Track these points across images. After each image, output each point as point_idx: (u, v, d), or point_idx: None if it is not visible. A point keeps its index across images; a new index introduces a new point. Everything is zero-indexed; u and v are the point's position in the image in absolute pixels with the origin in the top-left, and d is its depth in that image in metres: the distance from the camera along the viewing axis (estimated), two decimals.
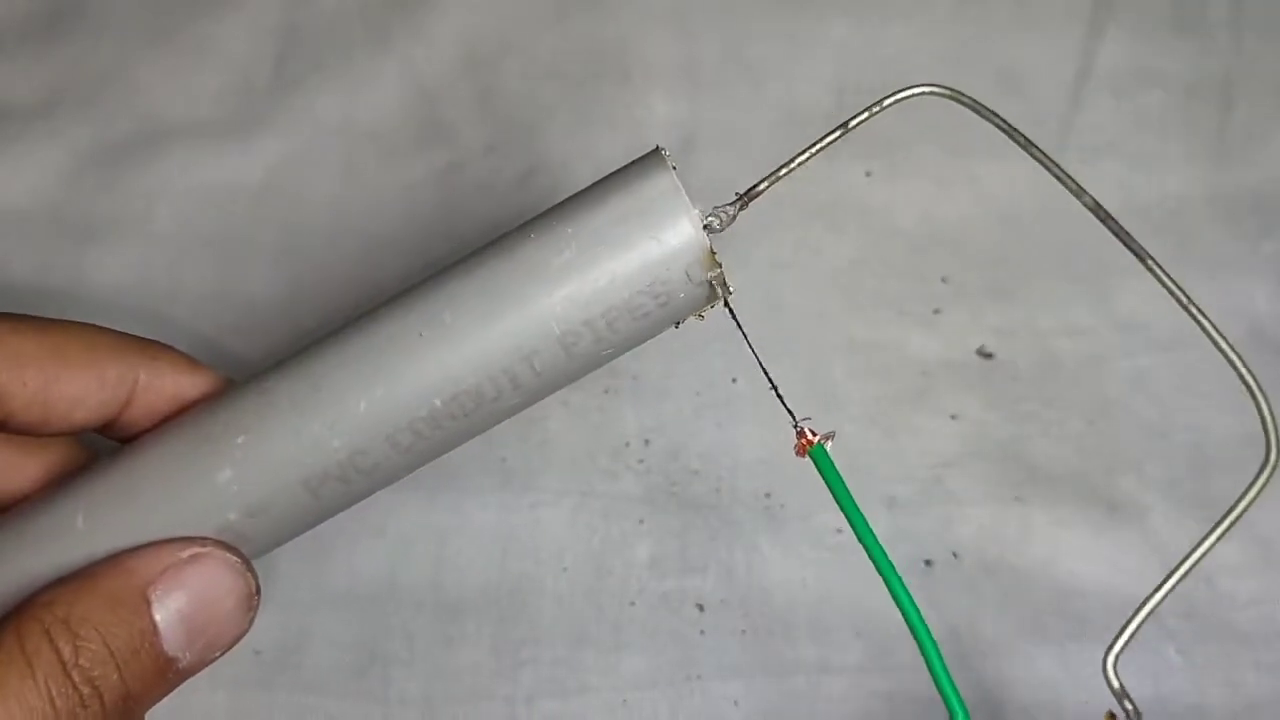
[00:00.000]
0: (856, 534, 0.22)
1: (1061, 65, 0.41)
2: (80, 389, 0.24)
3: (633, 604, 0.34)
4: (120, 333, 0.26)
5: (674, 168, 0.23)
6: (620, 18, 0.42)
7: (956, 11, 0.42)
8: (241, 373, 0.24)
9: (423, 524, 0.35)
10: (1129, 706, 0.23)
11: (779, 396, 0.23)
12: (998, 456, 0.36)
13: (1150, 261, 0.23)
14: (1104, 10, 0.42)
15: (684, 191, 0.22)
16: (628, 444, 0.36)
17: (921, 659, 0.22)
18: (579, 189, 0.24)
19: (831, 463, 0.23)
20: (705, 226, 0.22)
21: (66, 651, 0.21)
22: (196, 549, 0.23)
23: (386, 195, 0.40)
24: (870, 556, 0.22)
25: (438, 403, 0.23)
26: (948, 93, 0.25)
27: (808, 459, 0.23)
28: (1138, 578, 0.35)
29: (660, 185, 0.22)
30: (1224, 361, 0.38)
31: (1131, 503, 0.36)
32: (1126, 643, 0.23)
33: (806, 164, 0.25)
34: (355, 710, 0.33)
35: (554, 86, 0.41)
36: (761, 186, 0.24)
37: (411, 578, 0.35)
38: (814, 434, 0.23)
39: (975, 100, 0.24)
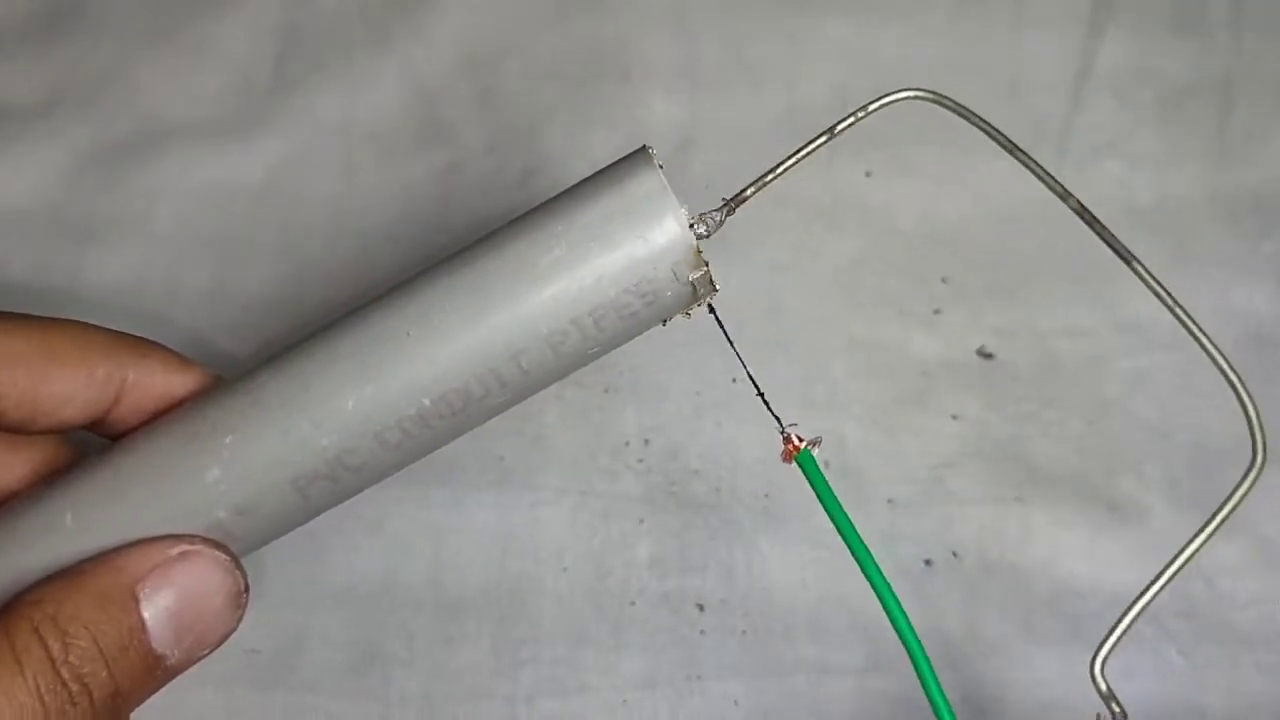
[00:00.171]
0: (844, 538, 0.22)
1: (1061, 65, 0.41)
2: (69, 387, 0.25)
3: (633, 604, 0.34)
4: (109, 330, 0.26)
5: (660, 166, 0.23)
6: (620, 18, 0.42)
7: (956, 11, 0.42)
8: (239, 372, 0.24)
9: (422, 523, 0.35)
10: (1116, 709, 0.23)
11: (764, 402, 0.23)
12: (998, 456, 0.36)
13: (1135, 263, 0.24)
14: (1104, 10, 0.42)
15: (670, 190, 0.22)
16: (628, 443, 0.36)
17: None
18: (566, 187, 0.24)
19: (818, 468, 0.23)
20: (691, 226, 0.22)
21: (55, 649, 0.21)
22: (185, 547, 0.23)
23: (386, 195, 0.40)
24: (858, 561, 0.22)
25: (426, 401, 0.23)
26: (932, 97, 0.25)
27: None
28: (1138, 578, 0.35)
29: (647, 184, 0.22)
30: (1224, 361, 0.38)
31: (1131, 503, 0.36)
32: (1114, 645, 0.23)
33: (803, 165, 0.25)
34: (354, 710, 0.33)
35: (554, 86, 0.41)
36: (748, 192, 0.24)
37: (411, 577, 0.35)
38: (800, 439, 0.23)
39: (959, 104, 0.25)
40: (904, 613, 0.22)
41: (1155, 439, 0.36)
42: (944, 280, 0.39)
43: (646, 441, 0.36)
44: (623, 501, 0.35)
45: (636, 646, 0.34)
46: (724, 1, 0.42)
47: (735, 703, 0.33)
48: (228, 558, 0.24)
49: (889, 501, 0.36)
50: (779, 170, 0.24)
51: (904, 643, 0.22)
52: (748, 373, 0.24)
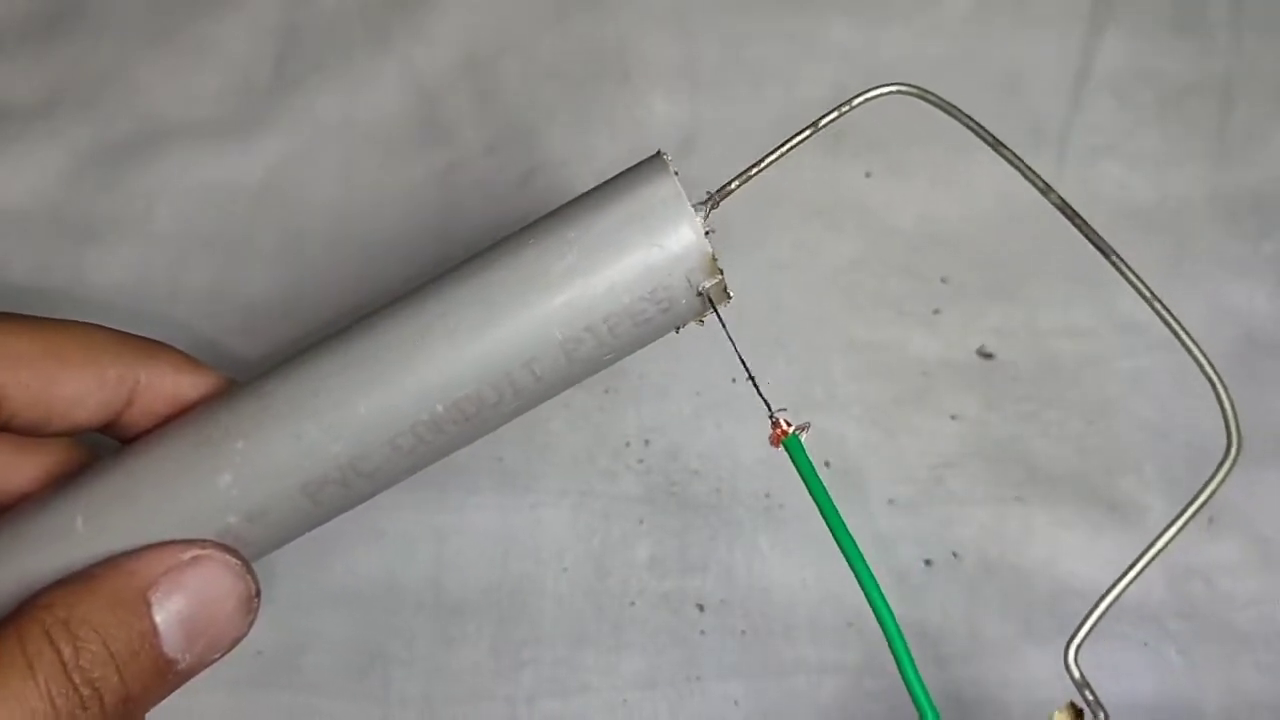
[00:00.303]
0: (828, 524, 0.22)
1: (1061, 65, 0.41)
2: (80, 390, 0.24)
3: (633, 604, 0.34)
4: (120, 332, 0.26)
5: (676, 173, 0.23)
6: (620, 18, 0.42)
7: (956, 12, 0.42)
8: (241, 373, 0.24)
9: (423, 524, 0.35)
10: (1090, 696, 0.23)
11: (755, 387, 0.23)
12: (998, 456, 0.36)
13: (1115, 257, 0.24)
14: (1104, 10, 0.42)
15: (685, 197, 0.22)
16: (628, 444, 0.36)
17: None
18: (580, 192, 0.23)
19: (805, 453, 0.23)
20: (708, 234, 0.22)
21: (67, 653, 0.21)
22: (197, 551, 0.23)
23: (386, 196, 0.39)
24: (842, 549, 0.22)
25: (439, 407, 0.23)
26: (916, 92, 0.25)
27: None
28: (1138, 578, 0.35)
29: (662, 190, 0.22)
30: (1224, 361, 0.38)
31: (1131, 503, 0.36)
32: (1087, 634, 0.23)
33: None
34: (355, 710, 0.33)
35: (554, 87, 0.41)
36: (733, 185, 0.24)
37: (412, 578, 0.35)
38: (789, 424, 0.23)
39: (943, 99, 0.25)
40: (884, 598, 0.22)
41: (1155, 439, 0.36)
42: (944, 280, 0.39)
43: (647, 442, 0.36)
44: (623, 502, 0.35)
45: (636, 647, 0.34)
46: (724, 1, 0.42)
47: (735, 703, 0.33)
48: (239, 562, 0.24)
49: (889, 501, 0.36)
50: (764, 164, 0.24)
51: (883, 628, 0.22)
52: (738, 355, 0.23)
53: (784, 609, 0.34)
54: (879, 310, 0.38)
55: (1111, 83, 0.41)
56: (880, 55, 0.41)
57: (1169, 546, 0.35)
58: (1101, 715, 0.22)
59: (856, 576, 0.22)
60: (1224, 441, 0.37)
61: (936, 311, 0.38)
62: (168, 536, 0.23)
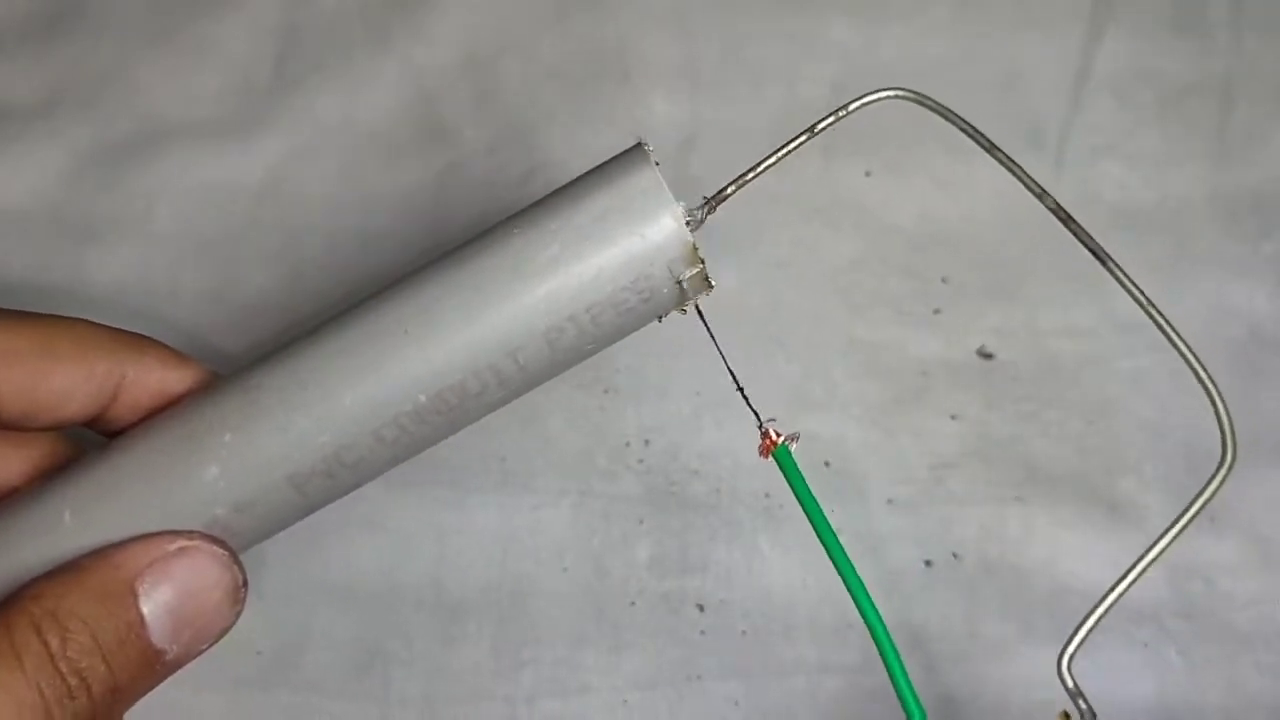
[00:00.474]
0: (816, 531, 0.23)
1: (1061, 65, 0.41)
2: (67, 384, 0.25)
3: (633, 604, 0.34)
4: (106, 327, 0.26)
5: (657, 163, 0.23)
6: (620, 18, 0.42)
7: (956, 11, 0.42)
8: (237, 369, 0.24)
9: (423, 524, 0.35)
10: (1083, 705, 0.23)
11: (744, 397, 0.23)
12: (998, 456, 0.36)
13: (1111, 263, 0.24)
14: (1104, 10, 0.42)
15: (666, 187, 0.22)
16: (628, 444, 0.36)
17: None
18: (563, 183, 0.24)
19: (795, 464, 0.23)
20: (687, 222, 0.22)
21: (54, 643, 0.21)
22: (183, 542, 0.23)
23: (386, 195, 0.40)
24: (833, 560, 0.22)
25: (423, 398, 0.23)
26: (913, 96, 0.25)
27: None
28: (1135, 583, 0.35)
29: (643, 181, 0.22)
30: (1224, 361, 0.38)
31: (1131, 503, 0.36)
32: (1080, 643, 0.23)
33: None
34: (355, 710, 0.33)
35: (554, 87, 0.41)
36: (729, 190, 0.24)
37: (412, 578, 0.35)
38: (778, 434, 0.23)
39: (940, 103, 0.25)
40: (874, 605, 0.22)
41: (1155, 439, 0.36)
42: (944, 280, 0.39)
43: (647, 442, 0.36)
44: (623, 502, 0.35)
45: (637, 647, 0.34)
46: (724, 1, 0.42)
47: (735, 703, 0.33)
48: (226, 553, 0.24)
49: (889, 501, 0.36)
50: (760, 168, 0.24)
51: (874, 636, 0.22)
52: (727, 367, 0.24)
53: (784, 609, 0.34)
54: (879, 310, 0.38)
55: (1111, 83, 0.41)
56: (880, 55, 0.41)
57: (1168, 548, 0.35)
58: None
59: (845, 582, 0.22)
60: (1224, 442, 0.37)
61: (936, 311, 0.38)
62: (155, 528, 0.23)
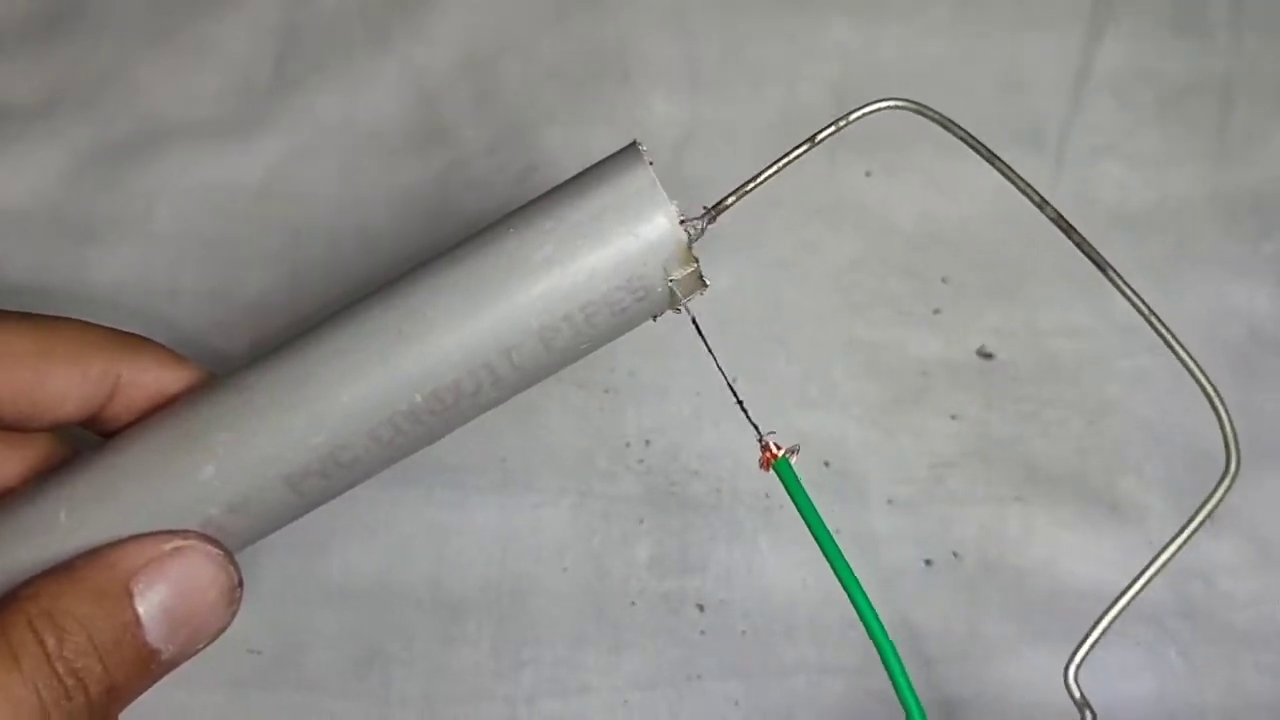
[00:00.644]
0: (819, 543, 0.23)
1: (1061, 65, 0.41)
2: (64, 384, 0.25)
3: (633, 604, 0.34)
4: (103, 327, 0.26)
5: (651, 162, 0.23)
6: (620, 18, 0.42)
7: (956, 12, 0.42)
8: (232, 369, 0.25)
9: (423, 524, 0.35)
10: (1090, 716, 0.23)
11: (743, 410, 0.24)
12: (998, 456, 0.36)
13: (1111, 272, 0.24)
14: (1104, 10, 0.42)
15: (660, 186, 0.22)
16: (628, 444, 0.36)
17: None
18: (557, 183, 0.24)
19: (795, 477, 0.23)
20: (682, 222, 0.22)
21: (51, 643, 0.21)
22: (179, 542, 0.23)
23: (386, 195, 0.40)
24: (834, 569, 0.23)
25: (418, 397, 0.23)
26: (912, 106, 0.25)
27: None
28: (1139, 592, 0.35)
29: (637, 180, 0.22)
30: (1224, 361, 0.38)
31: (1131, 503, 0.36)
32: (1087, 653, 0.23)
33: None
34: (355, 710, 0.33)
35: (554, 86, 0.41)
36: (729, 201, 0.24)
37: (412, 577, 0.35)
38: (778, 447, 0.23)
39: (939, 113, 0.25)
40: (874, 611, 0.22)
41: (1155, 439, 0.36)
42: (944, 280, 0.39)
43: (647, 442, 0.36)
44: (623, 502, 0.35)
45: (637, 647, 0.34)
46: (724, 1, 0.42)
47: (735, 703, 0.33)
48: (221, 553, 0.24)
49: (889, 501, 0.36)
50: (760, 179, 0.24)
51: (875, 641, 0.22)
52: (726, 382, 0.24)
53: (784, 609, 0.34)
54: (879, 310, 0.38)
55: (1111, 83, 0.41)
56: (880, 55, 0.41)
57: (1173, 558, 0.35)
58: None
59: (846, 589, 0.22)
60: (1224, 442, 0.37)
61: (936, 311, 0.38)
62: (150, 528, 0.23)
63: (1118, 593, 0.34)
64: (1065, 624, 0.34)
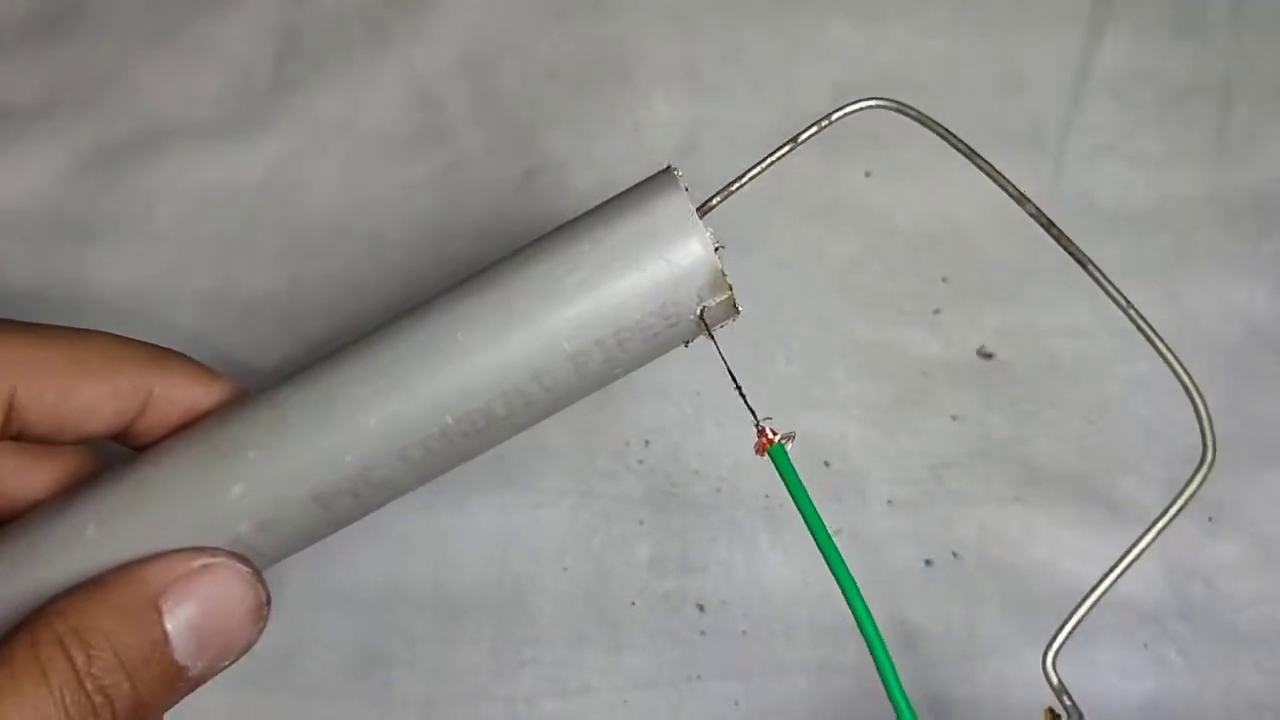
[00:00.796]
0: (811, 530, 0.23)
1: (1061, 65, 0.41)
2: (95, 399, 0.24)
3: (633, 604, 0.34)
4: (134, 341, 0.26)
5: (686, 189, 0.23)
6: (620, 18, 0.42)
7: (956, 12, 0.42)
8: (242, 374, 0.25)
9: (423, 525, 0.35)
10: (1068, 702, 0.23)
11: (741, 395, 0.23)
12: (998, 456, 0.36)
13: (1090, 266, 0.24)
14: (1104, 10, 0.42)
15: (695, 213, 0.22)
16: (628, 444, 0.36)
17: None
18: (582, 193, 0.24)
19: (789, 462, 0.23)
20: (717, 250, 0.22)
21: (80, 660, 0.21)
22: (207, 559, 0.23)
23: (386, 195, 0.40)
24: (825, 557, 0.23)
25: (449, 419, 0.23)
26: (894, 105, 0.25)
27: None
28: (1138, 578, 0.35)
29: (672, 206, 0.22)
30: (1224, 361, 0.38)
31: (1131, 503, 0.36)
32: (1064, 641, 0.23)
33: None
34: (356, 711, 0.33)
35: (554, 87, 0.41)
36: (714, 201, 0.24)
37: (412, 578, 0.35)
38: (774, 433, 0.23)
39: (919, 111, 0.25)
40: (867, 609, 0.22)
41: (1155, 439, 0.36)
42: (944, 280, 0.39)
43: (647, 442, 0.36)
44: (623, 502, 0.35)
45: (637, 647, 0.34)
46: (724, 1, 0.42)
47: (735, 703, 0.33)
48: (250, 571, 0.24)
49: (889, 502, 0.36)
50: (745, 179, 0.24)
51: (866, 639, 0.22)
52: (726, 366, 0.23)
53: (784, 609, 0.34)
54: (879, 310, 0.38)
55: (1111, 83, 0.41)
56: (880, 56, 0.41)
57: (1168, 548, 0.35)
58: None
59: (839, 583, 0.22)
60: (1223, 441, 0.37)
61: (937, 311, 0.38)
62: (178, 545, 0.23)
63: (1117, 592, 0.34)
64: None
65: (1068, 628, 0.24)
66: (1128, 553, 0.23)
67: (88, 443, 0.26)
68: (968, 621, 0.34)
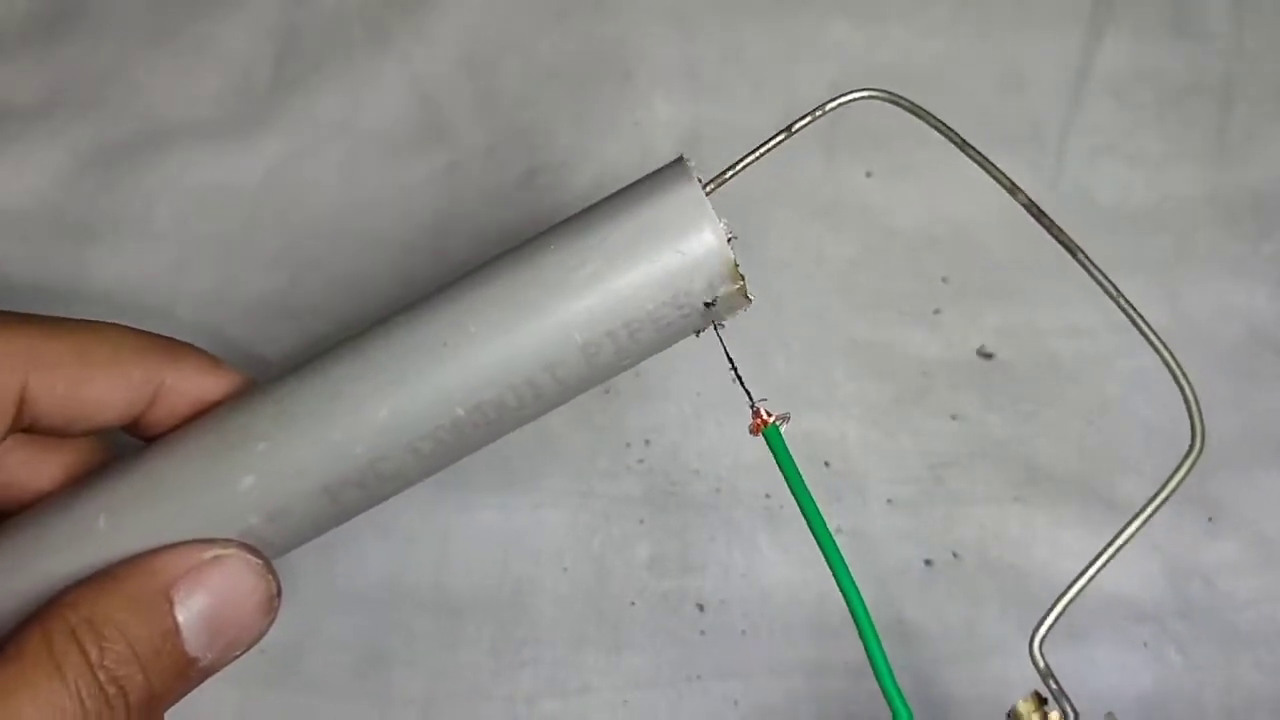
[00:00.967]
0: (804, 512, 0.23)
1: (1061, 65, 0.41)
2: (106, 391, 0.25)
3: (633, 604, 0.34)
4: (145, 333, 0.26)
5: (699, 179, 0.22)
6: (620, 18, 0.42)
7: (956, 12, 0.42)
8: (273, 378, 0.24)
9: (425, 525, 0.35)
10: (1054, 685, 0.23)
11: (737, 376, 0.23)
12: (998, 456, 0.36)
13: (1080, 254, 0.24)
14: (1104, 10, 0.42)
15: (708, 202, 0.22)
16: (628, 444, 0.36)
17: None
18: (585, 190, 0.23)
19: (784, 443, 0.23)
20: (730, 240, 0.22)
21: (93, 652, 0.21)
22: (219, 550, 0.23)
23: (387, 195, 0.40)
24: (818, 541, 0.23)
25: (460, 411, 0.23)
26: (887, 96, 0.25)
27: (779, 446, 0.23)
28: (1138, 578, 0.35)
29: (684, 196, 0.22)
30: (1224, 361, 0.38)
31: (1131, 503, 0.35)
32: (1052, 625, 0.23)
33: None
34: (356, 710, 0.33)
35: (554, 86, 0.41)
36: (708, 188, 0.24)
37: (414, 578, 0.35)
38: (770, 414, 0.23)
39: (913, 103, 0.25)
40: (859, 593, 0.22)
41: (1155, 438, 0.36)
42: (944, 280, 0.39)
43: (647, 442, 0.36)
44: (623, 502, 0.35)
45: (636, 647, 0.34)
46: (724, 1, 0.42)
47: (735, 703, 0.33)
48: (260, 562, 0.24)
49: (889, 501, 0.36)
50: (738, 167, 0.24)
51: (855, 619, 0.22)
52: (724, 348, 0.23)
53: (784, 609, 0.34)
54: (879, 310, 0.38)
55: (1111, 83, 0.41)
56: (880, 55, 0.41)
57: (1168, 548, 0.35)
58: (1066, 704, 0.22)
59: (830, 564, 0.22)
60: (1223, 441, 0.37)
61: (937, 311, 0.38)
62: (190, 536, 0.23)
63: (1117, 591, 0.34)
64: (1065, 623, 0.34)
65: (1055, 611, 0.24)
66: (1117, 537, 0.23)
67: (98, 434, 0.26)
68: (968, 621, 0.34)
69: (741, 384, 0.23)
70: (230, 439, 0.24)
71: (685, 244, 0.22)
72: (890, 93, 0.25)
